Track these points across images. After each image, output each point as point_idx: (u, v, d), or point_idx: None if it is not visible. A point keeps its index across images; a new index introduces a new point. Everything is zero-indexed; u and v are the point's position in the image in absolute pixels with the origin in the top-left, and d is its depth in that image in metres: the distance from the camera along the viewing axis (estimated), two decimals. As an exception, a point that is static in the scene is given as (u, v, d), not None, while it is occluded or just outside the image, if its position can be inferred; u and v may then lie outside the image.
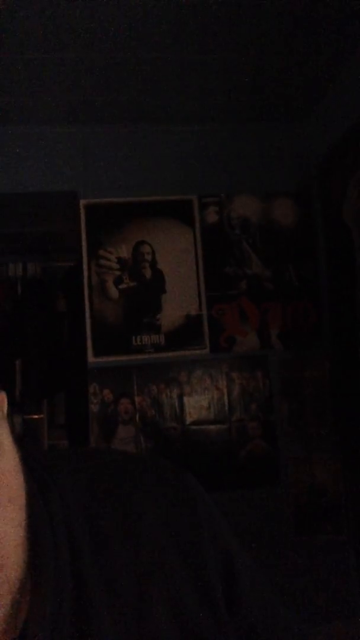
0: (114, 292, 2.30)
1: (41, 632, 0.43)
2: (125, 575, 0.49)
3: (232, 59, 2.01)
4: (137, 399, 2.24)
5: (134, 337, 2.27)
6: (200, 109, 2.33)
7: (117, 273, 2.31)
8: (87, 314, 2.28)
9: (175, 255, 2.34)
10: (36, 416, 3.34)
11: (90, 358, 2.25)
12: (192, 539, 0.52)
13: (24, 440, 2.99)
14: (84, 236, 2.32)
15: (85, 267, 2.30)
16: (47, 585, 0.45)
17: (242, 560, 0.55)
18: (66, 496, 0.50)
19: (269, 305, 2.36)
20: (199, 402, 2.27)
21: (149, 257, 2.33)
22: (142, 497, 0.53)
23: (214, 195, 2.40)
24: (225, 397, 2.29)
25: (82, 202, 2.33)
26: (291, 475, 2.26)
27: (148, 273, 2.33)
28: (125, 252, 2.32)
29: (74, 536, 0.49)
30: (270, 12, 1.77)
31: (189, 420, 2.26)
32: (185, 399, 2.27)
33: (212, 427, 2.27)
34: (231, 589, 0.52)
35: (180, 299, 2.32)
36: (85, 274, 2.30)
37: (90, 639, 0.45)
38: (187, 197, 2.38)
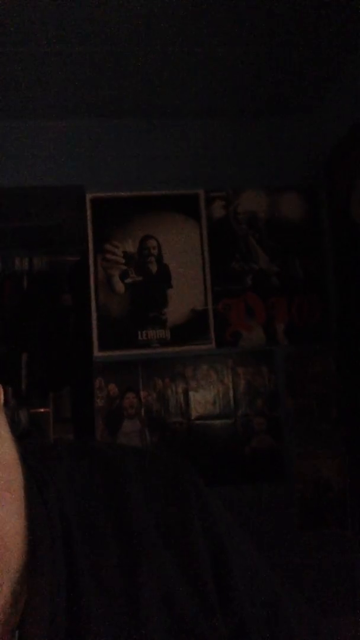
0: (119, 286, 2.30)
1: (39, 625, 0.44)
2: (116, 569, 0.49)
3: (239, 52, 2.00)
4: (142, 394, 2.24)
5: (139, 332, 2.27)
6: (207, 102, 2.32)
7: (123, 267, 2.31)
8: (93, 308, 2.28)
9: (182, 250, 2.34)
10: (42, 410, 3.35)
11: (96, 352, 2.25)
12: (183, 532, 0.52)
13: (29, 433, 3.01)
14: (90, 230, 2.31)
15: (91, 261, 2.30)
16: (43, 577, 0.45)
17: (237, 554, 0.55)
18: (62, 491, 0.51)
19: (275, 300, 2.36)
20: (204, 397, 2.28)
21: (155, 252, 2.33)
22: (134, 490, 0.53)
23: (220, 190, 2.39)
24: (231, 392, 2.29)
25: (89, 196, 2.33)
26: (296, 471, 2.26)
27: (154, 267, 2.32)
28: (131, 246, 2.32)
29: (69, 530, 0.49)
30: (276, 4, 1.75)
31: (194, 415, 2.26)
32: (191, 394, 2.27)
33: (217, 422, 2.27)
34: (223, 584, 0.52)
35: (186, 294, 2.32)
36: (91, 268, 2.30)
37: (84, 633, 0.46)
38: (194, 192, 2.38)
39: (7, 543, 0.41)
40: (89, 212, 2.32)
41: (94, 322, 2.27)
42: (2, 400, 0.48)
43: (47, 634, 0.44)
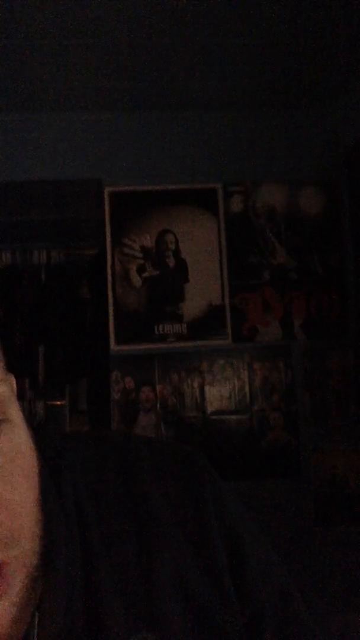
0: (137, 280, 2.30)
1: (55, 611, 0.44)
2: (132, 556, 0.50)
3: (258, 43, 1.98)
4: (158, 388, 2.25)
5: (156, 326, 2.28)
6: (226, 95, 2.30)
7: (141, 261, 2.31)
8: (110, 302, 2.28)
9: (199, 244, 2.33)
10: (58, 402, 3.38)
11: (113, 346, 2.26)
12: (198, 520, 0.52)
13: (46, 425, 3.03)
14: (108, 224, 2.32)
15: (108, 255, 2.31)
16: (59, 564, 0.46)
17: (251, 543, 0.55)
18: (76, 478, 0.52)
19: (292, 295, 2.34)
20: (220, 392, 2.27)
21: (172, 246, 2.32)
22: (148, 477, 0.53)
23: (239, 184, 2.38)
24: (247, 387, 2.28)
25: (107, 189, 2.33)
26: (312, 467, 2.25)
27: (171, 262, 2.32)
28: (149, 240, 2.32)
29: (83, 517, 0.50)
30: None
31: (210, 409, 2.26)
32: (207, 389, 2.27)
33: (233, 417, 2.27)
34: (238, 572, 0.52)
35: (203, 288, 2.31)
36: (109, 262, 2.31)
37: (100, 620, 0.47)
38: (212, 186, 2.36)
39: (25, 530, 0.42)
40: (107, 206, 2.33)
41: (111, 316, 2.28)
42: (15, 389, 0.49)
43: (64, 621, 0.45)
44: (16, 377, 0.51)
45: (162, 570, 0.49)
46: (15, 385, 0.49)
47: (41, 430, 0.54)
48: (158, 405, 2.24)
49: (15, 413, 0.44)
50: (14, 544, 0.41)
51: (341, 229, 2.38)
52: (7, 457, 0.42)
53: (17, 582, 0.41)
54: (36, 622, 0.43)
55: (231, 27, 1.88)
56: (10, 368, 0.47)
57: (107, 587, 0.47)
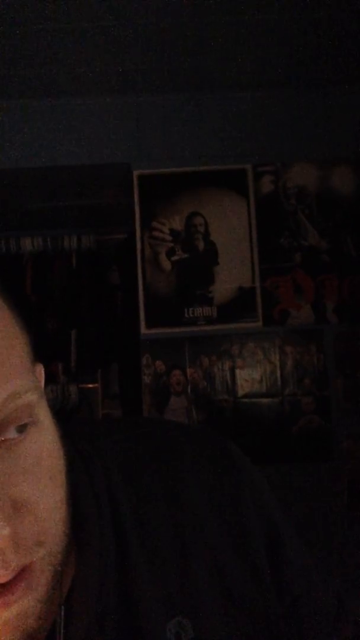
0: (166, 263, 2.30)
1: (86, 599, 0.45)
2: (167, 541, 0.50)
3: (289, 22, 1.92)
4: (189, 371, 2.25)
5: (186, 309, 2.27)
6: (255, 73, 2.25)
7: (170, 245, 2.30)
8: (140, 286, 2.29)
9: (229, 227, 2.31)
10: (91, 385, 3.41)
11: (143, 329, 2.27)
12: (234, 504, 0.52)
13: (79, 408, 3.08)
14: (137, 207, 2.31)
15: (138, 238, 2.31)
16: (91, 555, 0.46)
17: (286, 530, 0.55)
18: (108, 465, 0.52)
19: (325, 277, 2.30)
20: (251, 375, 2.26)
21: (201, 229, 2.31)
22: (183, 463, 0.53)
23: (269, 164, 2.33)
24: (278, 370, 2.26)
25: (136, 173, 2.32)
26: (345, 452, 2.22)
27: (201, 245, 2.30)
28: (178, 223, 2.31)
29: (117, 505, 0.50)
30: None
31: (240, 393, 2.25)
32: (237, 372, 2.26)
33: (264, 400, 2.26)
34: (275, 558, 0.52)
35: (233, 271, 2.29)
36: (138, 245, 2.30)
37: (134, 606, 0.47)
38: (241, 167, 2.33)
39: (51, 531, 0.42)
40: (136, 189, 2.32)
41: (141, 300, 2.28)
42: (43, 380, 0.48)
43: (96, 607, 0.45)
44: (49, 362, 0.51)
45: (198, 557, 0.49)
46: (43, 375, 0.49)
47: (74, 417, 0.55)
48: (189, 388, 2.24)
49: (43, 414, 0.44)
50: (40, 546, 0.41)
51: (375, 209, 2.32)
52: (33, 460, 0.42)
53: (42, 580, 0.41)
54: (62, 615, 0.44)
55: (260, 5, 1.83)
56: (41, 354, 0.46)
57: (141, 574, 0.48)
